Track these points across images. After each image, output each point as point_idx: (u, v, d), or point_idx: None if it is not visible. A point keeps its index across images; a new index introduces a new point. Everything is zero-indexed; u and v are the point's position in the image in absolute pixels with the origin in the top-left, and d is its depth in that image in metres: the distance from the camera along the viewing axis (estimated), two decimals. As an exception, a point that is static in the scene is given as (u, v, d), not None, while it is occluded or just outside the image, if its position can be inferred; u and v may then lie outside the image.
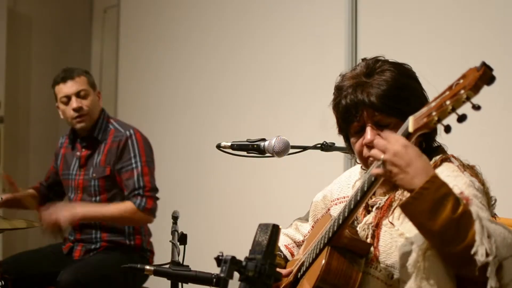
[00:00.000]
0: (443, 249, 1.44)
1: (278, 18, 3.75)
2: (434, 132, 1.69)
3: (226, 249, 1.45)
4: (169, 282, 1.80)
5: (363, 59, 1.77)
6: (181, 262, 1.83)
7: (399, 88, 1.67)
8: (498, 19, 2.79)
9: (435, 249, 1.45)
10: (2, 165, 4.70)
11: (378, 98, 1.64)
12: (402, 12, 3.13)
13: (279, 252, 2.00)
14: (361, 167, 1.86)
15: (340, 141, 1.88)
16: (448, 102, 1.34)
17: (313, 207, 2.04)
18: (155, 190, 3.20)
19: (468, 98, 1.32)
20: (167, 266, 1.77)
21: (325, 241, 1.65)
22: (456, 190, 1.46)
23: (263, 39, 3.83)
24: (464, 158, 1.71)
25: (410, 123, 1.43)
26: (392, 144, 1.45)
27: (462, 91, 1.32)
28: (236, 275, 1.40)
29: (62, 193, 3.46)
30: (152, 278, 2.08)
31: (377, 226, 1.68)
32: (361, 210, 1.74)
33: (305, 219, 2.09)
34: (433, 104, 1.39)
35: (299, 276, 1.78)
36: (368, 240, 1.68)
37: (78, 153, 3.30)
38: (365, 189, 1.55)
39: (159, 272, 1.74)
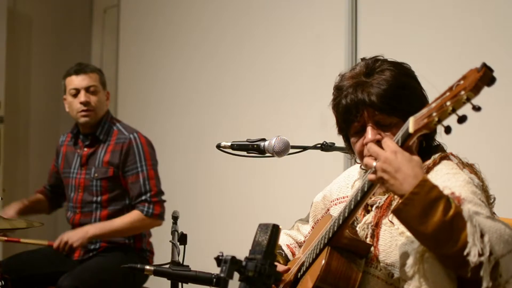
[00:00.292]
0: (438, 251, 1.44)
1: (278, 18, 3.75)
2: (434, 131, 1.69)
3: (226, 249, 1.45)
4: (169, 282, 1.80)
5: (362, 59, 1.78)
6: (181, 262, 1.83)
7: (399, 87, 1.67)
8: (498, 19, 2.79)
9: (431, 251, 1.46)
10: (2, 165, 4.70)
11: (378, 97, 1.65)
12: (402, 12, 3.13)
13: (280, 251, 2.01)
14: (361, 167, 1.86)
15: (340, 141, 1.89)
16: (448, 103, 1.34)
17: (313, 207, 2.04)
18: (161, 193, 3.22)
19: (468, 99, 1.32)
20: (167, 266, 1.77)
21: (325, 241, 1.65)
22: (447, 191, 1.46)
23: (263, 39, 3.83)
24: (463, 157, 1.71)
25: (411, 124, 1.43)
26: (383, 151, 1.46)
27: (463, 92, 1.32)
28: (236, 275, 1.40)
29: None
30: (152, 278, 2.08)
31: (377, 225, 1.68)
32: (360, 210, 1.74)
33: (306, 220, 2.10)
34: (433, 105, 1.39)
35: (299, 276, 1.78)
36: (368, 240, 1.68)
37: (79, 151, 3.30)
38: (366, 189, 1.55)
39: (159, 272, 1.74)
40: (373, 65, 1.71)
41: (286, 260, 2.01)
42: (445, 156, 1.68)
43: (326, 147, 2.23)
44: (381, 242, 1.66)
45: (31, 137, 5.00)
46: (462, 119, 1.33)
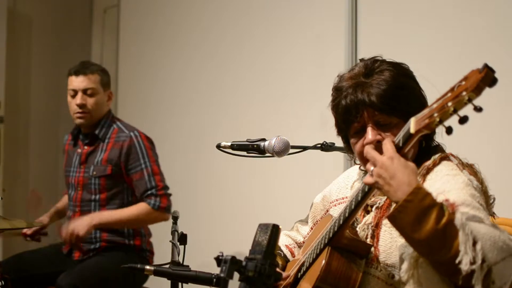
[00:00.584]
0: (431, 258, 1.44)
1: (278, 18, 3.75)
2: (433, 132, 1.69)
3: (226, 249, 1.46)
4: (169, 282, 1.80)
5: (361, 60, 1.78)
6: (181, 262, 1.83)
7: (398, 87, 1.67)
8: (498, 19, 2.79)
9: (425, 258, 1.46)
10: (2, 165, 4.70)
11: (378, 97, 1.65)
12: (402, 12, 3.13)
13: (279, 252, 2.01)
14: (360, 167, 1.86)
15: (340, 141, 1.88)
16: (450, 104, 1.34)
17: (313, 208, 2.05)
18: (167, 187, 3.24)
19: (470, 100, 1.32)
20: (167, 266, 1.77)
21: (326, 242, 1.65)
22: (441, 198, 1.47)
23: (263, 39, 3.83)
24: (463, 157, 1.71)
25: (412, 124, 1.43)
26: (380, 156, 1.46)
27: (464, 93, 1.32)
28: (236, 275, 1.40)
29: None
30: (152, 278, 2.08)
31: (377, 226, 1.68)
32: (360, 210, 1.74)
33: (305, 221, 2.10)
34: (435, 105, 1.39)
35: (299, 276, 1.78)
36: (368, 240, 1.68)
37: (79, 150, 3.31)
38: (366, 190, 1.55)
39: (159, 272, 1.74)
40: (372, 66, 1.71)
41: (286, 261, 2.01)
42: (445, 157, 1.68)
43: (326, 147, 2.23)
44: (381, 242, 1.66)
45: (31, 137, 5.00)
46: (463, 120, 1.33)
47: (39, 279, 3.17)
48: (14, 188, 4.80)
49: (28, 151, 4.99)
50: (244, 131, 3.40)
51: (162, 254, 2.56)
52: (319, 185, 2.10)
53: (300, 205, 2.24)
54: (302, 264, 1.78)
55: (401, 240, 1.59)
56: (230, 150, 2.17)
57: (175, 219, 1.99)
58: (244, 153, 2.14)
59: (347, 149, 1.82)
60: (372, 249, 1.66)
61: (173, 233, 1.94)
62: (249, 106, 3.88)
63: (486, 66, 1.31)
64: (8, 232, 3.17)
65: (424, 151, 1.72)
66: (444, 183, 1.58)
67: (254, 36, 3.89)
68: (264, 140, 2.09)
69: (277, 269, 1.73)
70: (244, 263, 1.40)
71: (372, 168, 1.48)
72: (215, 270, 1.45)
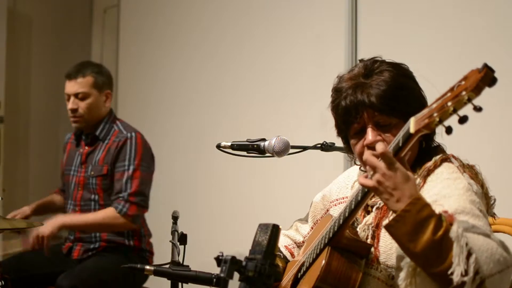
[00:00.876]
0: (426, 269, 1.44)
1: (278, 18, 3.74)
2: (433, 132, 1.69)
3: (226, 249, 1.45)
4: (169, 282, 1.80)
5: (361, 60, 1.77)
6: (181, 262, 1.83)
7: (398, 88, 1.67)
8: (498, 19, 2.78)
9: (420, 268, 1.46)
10: (2, 165, 4.70)
11: (378, 98, 1.64)
12: (402, 12, 3.13)
13: (279, 253, 2.00)
14: (360, 168, 1.85)
15: (340, 141, 1.88)
16: (449, 104, 1.34)
17: (313, 208, 2.04)
18: (141, 195, 3.14)
19: (469, 100, 1.32)
20: (167, 266, 1.77)
21: (326, 241, 1.65)
22: (440, 209, 1.46)
23: (263, 39, 3.83)
24: (464, 157, 1.71)
25: (412, 124, 1.43)
26: (382, 164, 1.45)
27: (464, 93, 1.32)
28: (236, 275, 1.40)
29: None
30: (152, 278, 2.08)
31: (377, 226, 1.68)
32: (360, 211, 1.73)
33: (305, 220, 2.10)
34: (434, 105, 1.39)
35: (299, 276, 1.77)
36: (368, 241, 1.68)
37: (81, 150, 3.31)
38: (366, 189, 1.55)
39: (159, 272, 1.74)
40: (372, 66, 1.71)
41: (285, 262, 2.01)
42: (446, 158, 1.68)
43: (326, 147, 2.23)
44: (381, 243, 1.66)
45: (31, 137, 5.00)
46: (463, 120, 1.33)
47: (39, 279, 3.17)
48: (14, 188, 4.80)
49: (28, 151, 4.99)
50: (244, 131, 3.40)
51: (162, 254, 2.56)
52: (319, 185, 2.09)
53: (300, 205, 2.24)
54: (302, 264, 1.78)
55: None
56: (230, 150, 2.17)
57: (175, 219, 1.99)
58: (244, 153, 2.14)
59: (347, 149, 1.82)
60: (372, 249, 1.66)
61: (173, 233, 1.94)
62: (249, 106, 3.88)
63: (485, 65, 1.31)
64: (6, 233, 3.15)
65: (424, 151, 1.71)
66: (444, 187, 1.58)
67: (254, 36, 3.89)
68: (264, 140, 2.09)
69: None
70: (244, 263, 1.40)
71: (371, 173, 1.47)
72: (215, 270, 1.45)
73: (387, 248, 1.64)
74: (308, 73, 3.54)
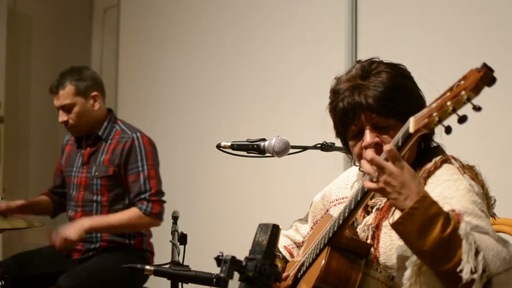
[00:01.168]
0: (434, 266, 1.44)
1: (278, 18, 3.75)
2: (432, 132, 1.69)
3: (226, 249, 1.45)
4: (169, 282, 1.80)
5: (358, 61, 1.77)
6: (181, 262, 1.82)
7: (395, 89, 1.66)
8: (498, 19, 2.79)
9: (427, 266, 1.46)
10: (2, 165, 4.70)
11: (375, 100, 1.64)
12: (402, 12, 3.13)
13: (278, 253, 2.00)
14: (359, 168, 1.85)
15: (340, 141, 1.88)
16: (449, 103, 1.34)
17: (313, 208, 2.04)
18: (161, 193, 3.21)
19: (469, 99, 1.32)
20: (167, 266, 1.77)
21: (325, 241, 1.65)
22: (447, 208, 1.46)
23: (263, 39, 3.83)
24: (464, 158, 1.71)
25: (411, 124, 1.43)
26: (388, 164, 1.45)
27: (463, 92, 1.32)
28: (236, 275, 1.40)
29: None
30: (152, 278, 2.08)
31: (377, 227, 1.68)
32: (360, 211, 1.73)
33: (305, 220, 2.09)
34: (434, 105, 1.38)
35: (299, 276, 1.77)
36: (368, 242, 1.68)
37: (82, 151, 3.31)
38: (366, 189, 1.55)
39: (159, 272, 1.74)
40: (369, 67, 1.71)
41: (285, 262, 2.01)
42: (446, 160, 1.68)
43: (326, 147, 2.23)
44: (381, 244, 1.66)
45: (31, 137, 5.01)
46: (462, 119, 1.33)
47: (39, 279, 3.17)
48: (14, 188, 4.80)
49: (28, 151, 5.00)
50: (244, 131, 3.40)
51: (162, 254, 2.56)
52: (319, 185, 2.09)
53: (300, 205, 2.24)
54: (302, 264, 1.78)
55: (401, 243, 1.59)
56: (230, 150, 2.16)
57: (175, 219, 1.98)
58: (244, 153, 2.14)
59: (346, 150, 1.82)
60: (372, 250, 1.66)
61: (173, 233, 1.93)
62: (249, 106, 3.88)
63: (485, 65, 1.31)
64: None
65: (423, 152, 1.71)
66: (445, 189, 1.58)
67: (254, 36, 3.89)
68: (264, 140, 2.09)
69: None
70: (244, 263, 1.40)
71: (376, 174, 1.47)
72: (215, 270, 1.45)
73: (387, 249, 1.64)
74: (308, 73, 3.54)
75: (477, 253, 1.39)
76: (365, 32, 3.26)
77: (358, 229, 1.72)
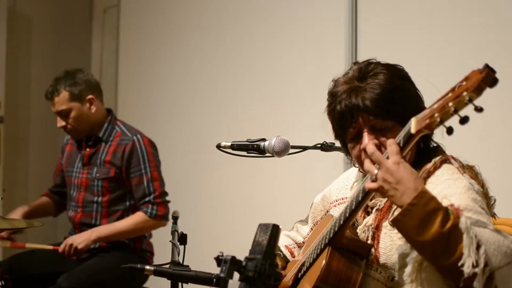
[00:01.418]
0: (435, 262, 1.44)
1: (278, 18, 3.75)
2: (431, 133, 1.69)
3: (226, 249, 1.45)
4: (169, 282, 1.80)
5: (355, 63, 1.76)
6: (181, 262, 1.82)
7: (393, 90, 1.66)
8: (498, 19, 2.79)
9: (428, 261, 1.46)
10: (2, 165, 4.70)
11: (372, 102, 1.63)
12: (402, 12, 3.13)
13: (279, 252, 2.00)
14: (359, 169, 1.85)
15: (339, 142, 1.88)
16: (450, 104, 1.34)
17: (313, 209, 2.04)
18: (165, 194, 3.23)
19: (470, 100, 1.32)
20: (167, 266, 1.77)
21: (326, 242, 1.65)
22: (446, 203, 1.46)
23: (263, 39, 3.83)
24: (464, 158, 1.71)
25: (413, 125, 1.43)
26: (386, 160, 1.45)
27: (465, 93, 1.32)
28: (236, 275, 1.40)
29: None
30: (152, 278, 2.08)
31: (377, 228, 1.68)
32: (360, 212, 1.73)
33: (306, 221, 2.10)
34: (435, 105, 1.38)
35: (299, 276, 1.77)
36: (368, 242, 1.68)
37: (82, 151, 3.31)
38: (366, 190, 1.55)
39: (159, 272, 1.74)
40: (366, 69, 1.70)
41: (285, 261, 2.01)
42: (446, 160, 1.68)
43: (326, 147, 2.23)
44: (381, 245, 1.66)
45: (31, 137, 5.00)
46: (464, 120, 1.32)
47: (39, 279, 3.17)
48: (14, 188, 4.80)
49: (28, 151, 5.00)
50: (244, 131, 3.40)
51: (162, 254, 2.56)
52: (319, 185, 2.09)
53: (300, 205, 2.24)
54: (303, 264, 1.78)
55: (401, 243, 1.59)
56: (230, 150, 2.16)
57: (175, 219, 1.98)
58: (244, 153, 2.14)
59: (346, 152, 1.81)
60: (372, 250, 1.66)
61: (173, 233, 1.93)
62: (249, 106, 3.88)
63: (487, 66, 1.31)
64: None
65: (423, 152, 1.71)
66: (445, 188, 1.57)
67: (254, 36, 3.89)
68: (264, 140, 2.09)
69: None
70: (244, 263, 1.39)
71: (376, 171, 1.47)
72: (215, 270, 1.45)
73: (387, 250, 1.64)
74: (308, 73, 3.54)
75: (478, 247, 1.39)
76: (365, 32, 3.26)
77: (358, 230, 1.72)
